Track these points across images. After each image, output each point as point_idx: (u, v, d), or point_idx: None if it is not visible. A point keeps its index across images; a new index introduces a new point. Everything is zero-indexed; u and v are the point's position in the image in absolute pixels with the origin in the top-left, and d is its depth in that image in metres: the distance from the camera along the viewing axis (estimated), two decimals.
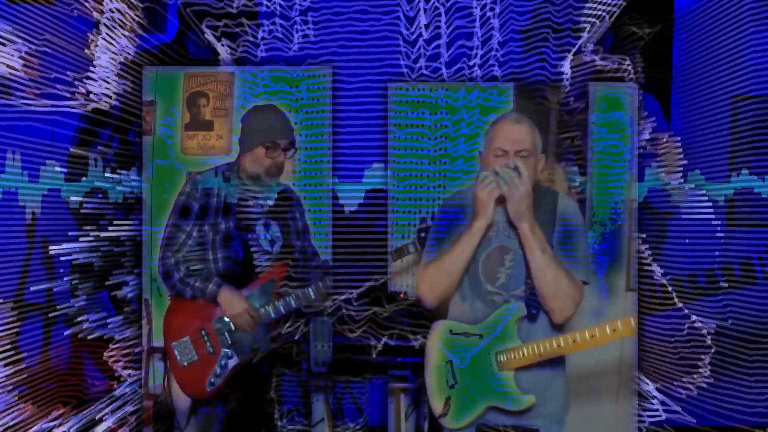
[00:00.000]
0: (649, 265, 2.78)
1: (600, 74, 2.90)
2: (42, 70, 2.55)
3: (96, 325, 2.77)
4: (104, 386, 2.88)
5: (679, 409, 2.64)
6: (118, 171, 2.93)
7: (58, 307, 2.71)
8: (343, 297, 2.74)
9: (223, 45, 2.85)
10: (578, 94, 3.03)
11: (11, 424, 2.44)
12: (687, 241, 2.79)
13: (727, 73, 2.74)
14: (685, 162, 2.80)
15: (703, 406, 2.62)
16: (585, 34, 2.77)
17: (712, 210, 2.78)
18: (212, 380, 2.60)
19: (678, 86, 3.02)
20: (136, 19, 2.83)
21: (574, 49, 2.82)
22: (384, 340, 2.82)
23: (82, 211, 2.76)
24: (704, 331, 2.69)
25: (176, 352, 2.61)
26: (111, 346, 2.81)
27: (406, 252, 2.76)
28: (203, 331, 2.62)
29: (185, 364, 2.61)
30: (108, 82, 2.78)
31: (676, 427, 2.69)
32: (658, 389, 2.70)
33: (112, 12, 2.74)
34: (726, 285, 2.70)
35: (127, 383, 2.86)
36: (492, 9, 2.84)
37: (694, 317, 2.72)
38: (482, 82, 2.98)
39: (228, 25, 2.84)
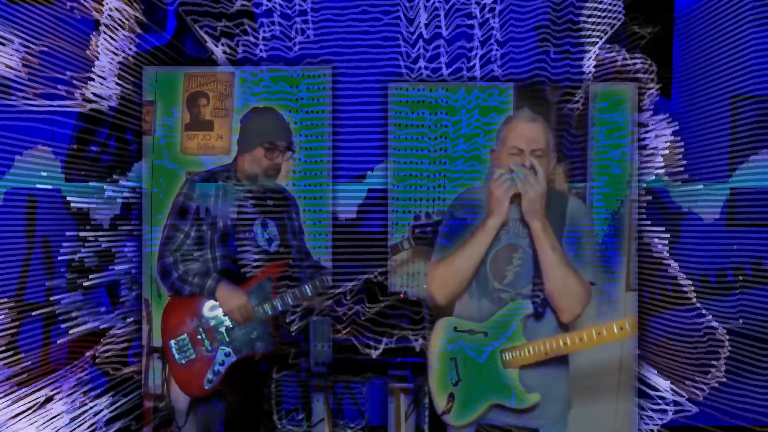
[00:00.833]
0: (666, 260, 2.75)
1: (620, 74, 2.88)
2: (42, 70, 2.55)
3: (93, 322, 2.78)
4: (104, 385, 2.88)
5: (692, 408, 2.63)
6: (117, 171, 2.93)
7: (57, 305, 2.71)
8: (339, 290, 2.75)
9: (218, 45, 2.85)
10: (581, 94, 3.03)
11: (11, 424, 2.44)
12: (695, 240, 2.78)
13: (727, 73, 2.74)
14: (685, 162, 2.79)
15: (716, 406, 2.61)
16: (601, 32, 2.76)
17: (712, 210, 2.78)
18: (210, 378, 2.60)
19: (678, 86, 3.02)
20: (136, 18, 2.83)
21: (595, 48, 2.81)
22: (385, 340, 2.82)
23: (81, 211, 2.77)
24: (718, 330, 2.68)
25: (174, 350, 2.62)
26: (103, 340, 2.81)
27: (401, 248, 2.76)
28: (201, 329, 2.62)
29: (183, 362, 2.61)
30: (108, 82, 2.79)
31: (687, 427, 2.68)
32: (671, 389, 2.69)
33: (112, 12, 2.75)
34: (738, 285, 2.69)
35: (126, 381, 2.87)
36: (492, 9, 2.84)
37: (709, 316, 2.70)
38: (482, 82, 2.98)
39: (227, 26, 2.84)
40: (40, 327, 2.78)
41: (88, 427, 2.66)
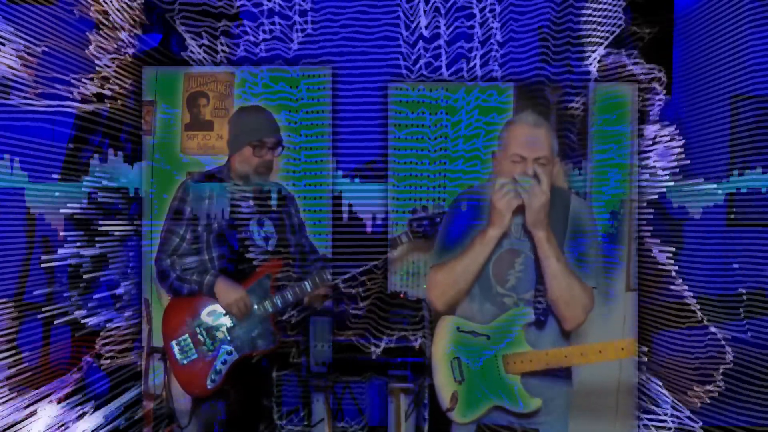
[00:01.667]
0: (673, 277, 2.74)
1: (628, 78, 2.88)
2: (41, 70, 2.55)
3: (94, 321, 2.78)
4: (104, 384, 2.88)
5: (696, 421, 2.62)
6: (117, 171, 2.93)
7: (56, 305, 2.71)
8: (338, 279, 2.76)
9: (201, 47, 2.85)
10: (582, 95, 3.03)
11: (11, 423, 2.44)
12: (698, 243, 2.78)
13: (727, 73, 2.74)
14: (686, 162, 2.79)
15: (717, 416, 2.61)
16: (601, 33, 2.76)
17: (712, 210, 2.78)
18: (213, 377, 2.60)
19: (678, 86, 3.02)
20: (136, 18, 2.83)
21: (597, 49, 2.80)
22: (386, 340, 2.82)
23: (80, 210, 2.77)
24: (722, 341, 2.67)
25: (176, 351, 2.62)
26: (104, 340, 2.81)
27: (400, 242, 2.78)
28: (201, 329, 2.62)
29: (185, 362, 2.61)
30: (107, 82, 2.79)
31: (686, 427, 2.67)
32: (672, 399, 2.68)
33: (112, 12, 2.75)
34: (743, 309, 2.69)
35: (126, 381, 2.87)
36: (492, 10, 2.84)
37: (713, 328, 2.70)
38: (482, 82, 2.98)
39: (211, 26, 2.86)
40: (40, 327, 2.78)
41: (88, 427, 2.66)
